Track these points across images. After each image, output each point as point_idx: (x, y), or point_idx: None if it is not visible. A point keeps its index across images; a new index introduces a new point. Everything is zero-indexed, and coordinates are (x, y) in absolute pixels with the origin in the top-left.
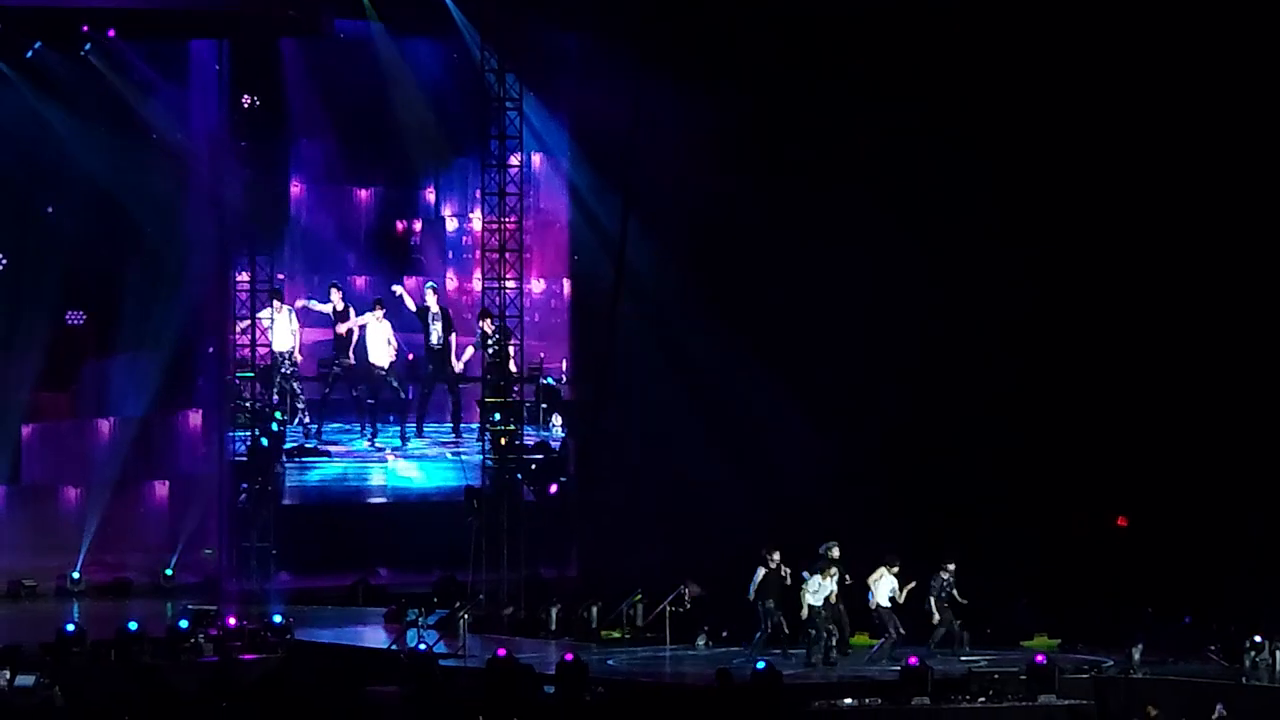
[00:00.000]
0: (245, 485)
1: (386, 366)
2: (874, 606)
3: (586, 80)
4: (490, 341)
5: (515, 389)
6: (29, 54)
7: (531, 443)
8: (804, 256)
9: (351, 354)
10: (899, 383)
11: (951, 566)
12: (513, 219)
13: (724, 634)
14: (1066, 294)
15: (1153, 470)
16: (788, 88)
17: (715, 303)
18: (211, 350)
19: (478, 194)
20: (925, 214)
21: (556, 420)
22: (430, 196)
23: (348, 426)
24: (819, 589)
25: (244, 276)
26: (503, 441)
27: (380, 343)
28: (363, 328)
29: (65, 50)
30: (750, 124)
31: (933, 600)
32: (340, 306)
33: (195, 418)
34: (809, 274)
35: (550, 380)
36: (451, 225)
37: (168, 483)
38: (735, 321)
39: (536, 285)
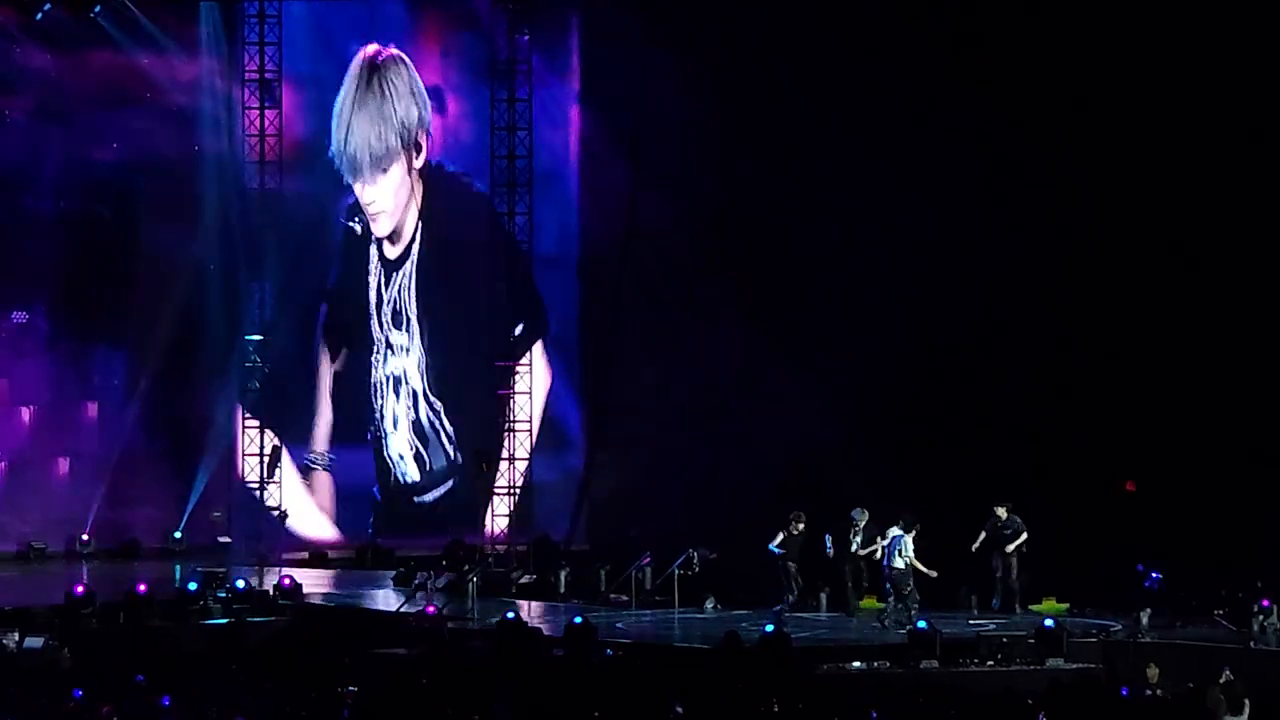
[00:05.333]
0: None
1: None
2: (893, 568)
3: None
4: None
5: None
6: (39, 15)
7: None
8: (819, 241)
9: None
10: (916, 372)
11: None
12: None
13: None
14: (1076, 292)
15: (1159, 470)
16: (805, 70)
17: (726, 283)
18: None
19: None
20: (941, 202)
21: None
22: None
23: None
24: (902, 546)
25: None
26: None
27: None
28: None
29: (75, 10)
30: (760, 109)
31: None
32: None
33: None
34: (823, 259)
35: None
36: None
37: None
38: (752, 313)
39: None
